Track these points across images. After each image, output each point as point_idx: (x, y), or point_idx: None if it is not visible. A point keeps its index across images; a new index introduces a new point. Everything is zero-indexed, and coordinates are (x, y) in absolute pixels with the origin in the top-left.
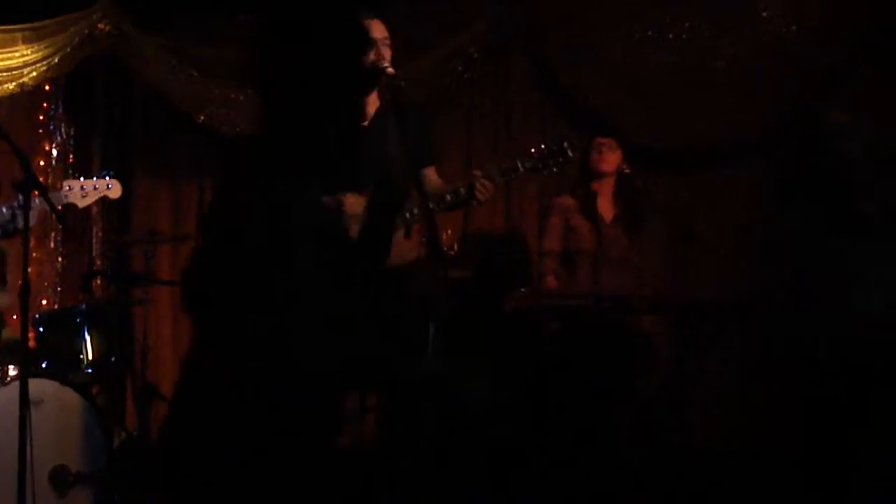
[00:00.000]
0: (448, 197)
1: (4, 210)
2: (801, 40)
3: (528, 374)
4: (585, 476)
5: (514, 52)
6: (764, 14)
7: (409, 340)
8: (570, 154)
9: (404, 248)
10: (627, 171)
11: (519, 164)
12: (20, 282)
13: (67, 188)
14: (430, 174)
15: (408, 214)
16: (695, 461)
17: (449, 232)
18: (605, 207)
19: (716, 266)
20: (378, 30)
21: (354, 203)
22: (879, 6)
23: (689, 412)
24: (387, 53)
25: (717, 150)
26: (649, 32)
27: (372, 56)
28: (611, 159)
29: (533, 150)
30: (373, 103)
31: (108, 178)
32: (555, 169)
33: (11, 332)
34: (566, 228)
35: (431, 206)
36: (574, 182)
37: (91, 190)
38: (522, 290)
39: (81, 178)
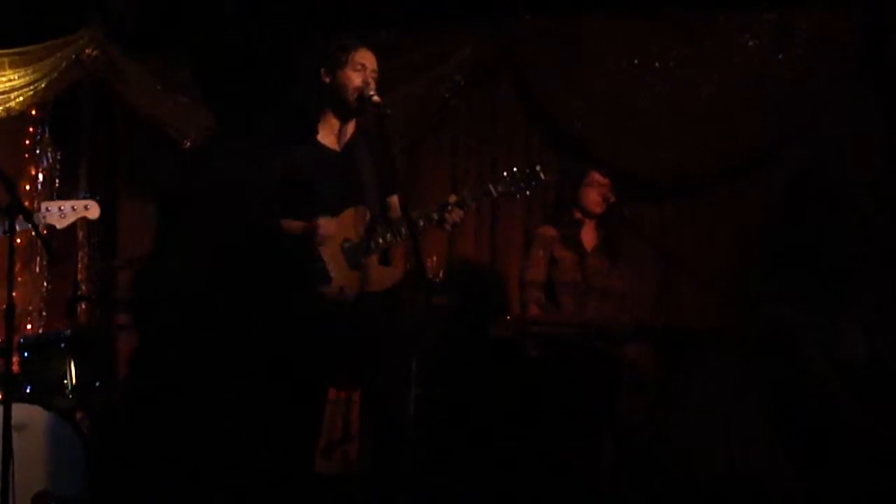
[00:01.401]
0: (421, 222)
1: None
2: (786, 69)
3: (512, 402)
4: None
5: (500, 80)
6: (750, 44)
7: (388, 366)
8: (543, 177)
9: (380, 274)
10: (613, 199)
11: (492, 189)
12: (4, 306)
13: (46, 209)
14: (394, 202)
15: (381, 240)
16: (680, 490)
17: (434, 259)
18: (588, 237)
19: (699, 293)
20: (367, 59)
21: (327, 225)
22: (864, 35)
23: (675, 440)
24: (373, 83)
25: (703, 178)
26: (636, 61)
27: (360, 83)
28: (604, 200)
29: (505, 173)
30: (350, 129)
31: (85, 198)
32: (528, 192)
33: None
34: (549, 260)
35: (402, 230)
36: (555, 210)
37: (69, 211)
38: (507, 317)
39: (59, 200)
